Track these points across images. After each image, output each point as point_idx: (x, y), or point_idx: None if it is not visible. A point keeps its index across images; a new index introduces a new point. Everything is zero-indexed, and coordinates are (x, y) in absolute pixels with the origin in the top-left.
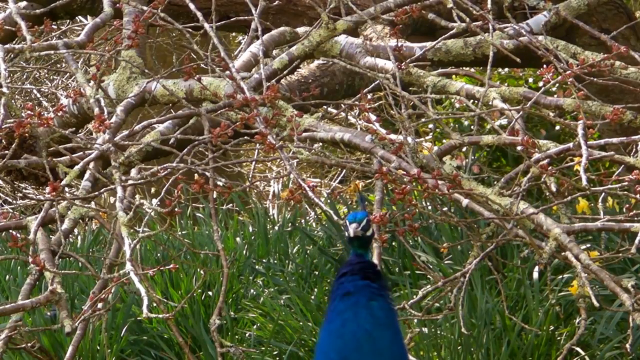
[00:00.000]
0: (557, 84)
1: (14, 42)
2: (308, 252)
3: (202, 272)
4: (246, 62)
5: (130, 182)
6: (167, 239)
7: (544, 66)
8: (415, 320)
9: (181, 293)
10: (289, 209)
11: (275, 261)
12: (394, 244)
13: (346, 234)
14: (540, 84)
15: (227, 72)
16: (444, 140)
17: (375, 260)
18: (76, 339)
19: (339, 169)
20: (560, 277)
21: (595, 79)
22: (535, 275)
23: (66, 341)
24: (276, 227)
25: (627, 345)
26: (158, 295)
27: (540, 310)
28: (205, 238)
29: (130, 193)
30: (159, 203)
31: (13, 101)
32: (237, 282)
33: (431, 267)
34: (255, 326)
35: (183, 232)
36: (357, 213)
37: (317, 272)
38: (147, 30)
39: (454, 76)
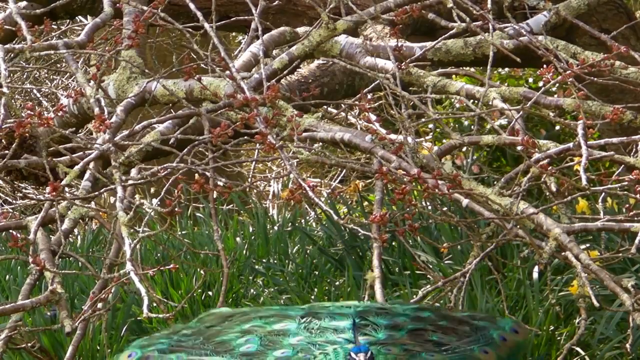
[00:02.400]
0: (557, 84)
1: (14, 42)
2: (308, 252)
3: (202, 272)
4: (246, 62)
5: (130, 182)
6: (167, 239)
7: (544, 66)
8: None
9: (181, 293)
10: (289, 209)
11: (275, 261)
12: (394, 244)
13: None
14: (540, 84)
15: (227, 72)
16: (444, 140)
17: (375, 260)
18: (76, 339)
19: (339, 169)
20: (560, 277)
21: (595, 79)
22: (535, 275)
23: (66, 341)
24: (276, 227)
25: (627, 345)
26: (158, 295)
27: (540, 310)
28: (205, 238)
29: (130, 193)
30: (159, 203)
31: (13, 101)
32: (237, 282)
33: (431, 267)
34: None
35: (183, 232)
36: (360, 347)
37: (317, 272)
38: (147, 30)
39: (454, 76)
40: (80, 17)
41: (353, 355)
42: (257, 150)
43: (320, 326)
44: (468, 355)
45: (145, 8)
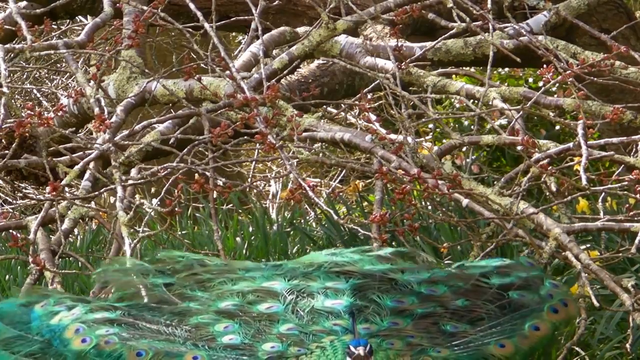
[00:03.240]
0: (557, 84)
1: (14, 42)
2: (308, 252)
3: None
4: (246, 62)
5: (130, 182)
6: (167, 239)
7: (544, 66)
8: None
9: None
10: (288, 209)
11: (275, 261)
12: (394, 244)
13: (349, 358)
14: (540, 84)
15: (227, 72)
16: (444, 140)
17: None
18: None
19: (339, 169)
20: (560, 277)
21: (595, 79)
22: None
23: None
24: (275, 227)
25: (627, 345)
26: None
27: None
28: (205, 238)
29: (130, 193)
30: (159, 203)
31: (13, 101)
32: None
33: None
34: None
35: (183, 232)
36: (359, 340)
37: None
38: (147, 30)
39: (454, 76)
40: (80, 17)
41: (352, 348)
42: (257, 150)
43: (313, 309)
44: (480, 352)
45: (145, 8)
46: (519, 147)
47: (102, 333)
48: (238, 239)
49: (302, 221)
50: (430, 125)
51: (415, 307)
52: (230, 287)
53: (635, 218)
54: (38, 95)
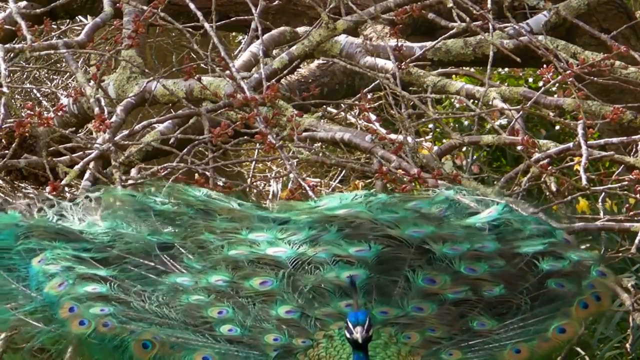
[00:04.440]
0: (557, 84)
1: (14, 41)
2: None
3: None
4: (246, 61)
5: (130, 182)
6: None
7: (544, 66)
8: None
9: None
10: None
11: None
12: None
13: (347, 334)
14: (540, 83)
15: (227, 71)
16: (444, 140)
17: None
18: None
19: (339, 169)
20: None
21: (595, 79)
22: None
23: None
24: None
25: (627, 345)
26: None
27: None
28: None
29: None
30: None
31: (13, 101)
32: None
33: None
34: None
35: None
36: (357, 313)
37: None
38: (147, 30)
39: (454, 76)
40: (80, 17)
41: (350, 326)
42: (257, 150)
43: (322, 280)
44: (493, 357)
45: (145, 8)
46: (519, 147)
47: (97, 313)
48: None
49: None
50: (430, 125)
51: (447, 290)
52: (227, 253)
53: (635, 218)
54: (38, 95)
